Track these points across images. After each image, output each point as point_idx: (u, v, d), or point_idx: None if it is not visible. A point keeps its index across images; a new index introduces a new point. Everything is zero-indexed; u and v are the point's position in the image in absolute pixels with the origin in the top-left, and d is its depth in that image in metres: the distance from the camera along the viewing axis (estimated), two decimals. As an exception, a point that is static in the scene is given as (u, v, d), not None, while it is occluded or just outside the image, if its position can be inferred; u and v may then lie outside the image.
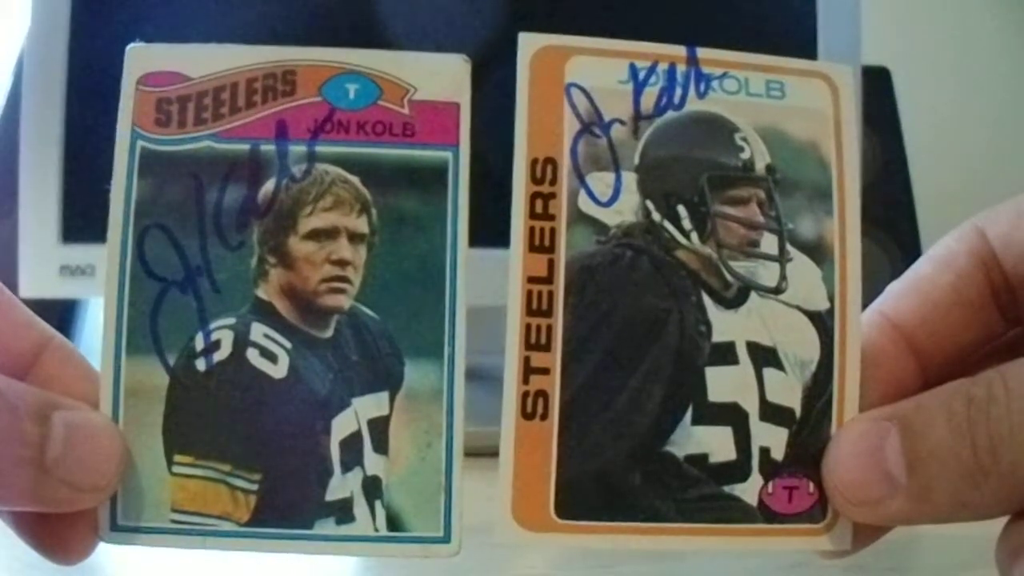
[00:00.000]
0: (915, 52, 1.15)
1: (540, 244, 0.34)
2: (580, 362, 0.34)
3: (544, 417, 0.34)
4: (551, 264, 0.34)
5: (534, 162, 0.34)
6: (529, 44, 0.35)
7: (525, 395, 0.34)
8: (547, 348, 0.34)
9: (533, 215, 0.34)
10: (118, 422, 0.34)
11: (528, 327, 0.34)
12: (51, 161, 0.72)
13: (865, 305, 0.36)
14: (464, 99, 0.35)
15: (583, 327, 0.34)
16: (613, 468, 0.34)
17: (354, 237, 0.34)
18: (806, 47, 0.75)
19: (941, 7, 1.30)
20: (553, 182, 0.34)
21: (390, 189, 0.35)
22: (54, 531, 0.34)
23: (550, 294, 0.34)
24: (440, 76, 0.35)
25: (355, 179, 0.35)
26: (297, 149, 0.35)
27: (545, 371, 0.34)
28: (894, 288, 0.37)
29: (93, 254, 0.71)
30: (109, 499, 0.33)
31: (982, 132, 1.25)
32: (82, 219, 0.71)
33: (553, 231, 0.34)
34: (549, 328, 0.34)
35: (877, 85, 0.98)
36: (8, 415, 0.31)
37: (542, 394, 0.34)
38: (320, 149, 0.35)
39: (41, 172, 0.72)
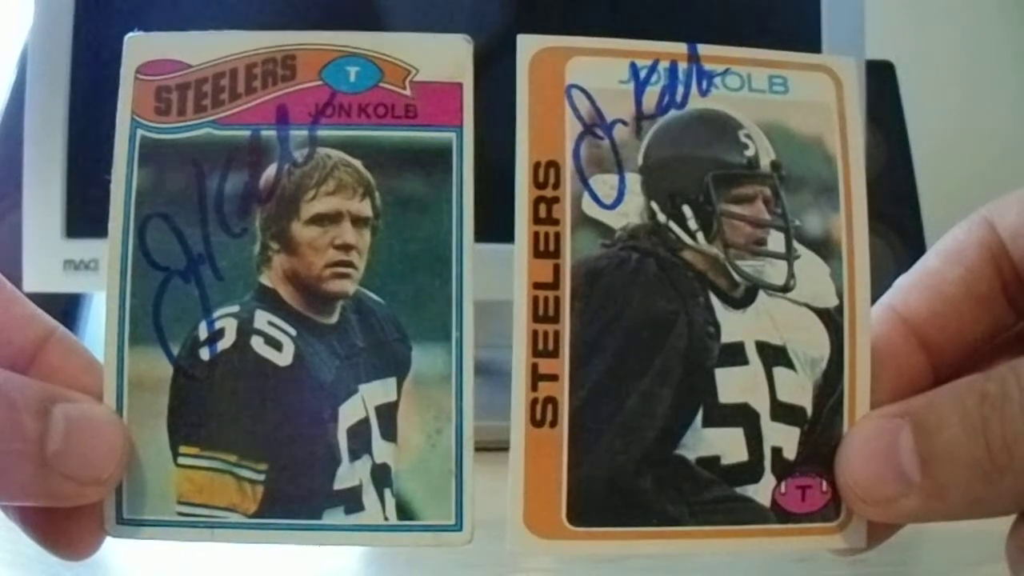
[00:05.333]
0: (919, 46, 1.15)
1: (545, 249, 0.34)
2: (588, 367, 0.34)
3: (553, 424, 0.33)
4: (557, 269, 0.34)
5: (536, 166, 0.34)
6: (528, 46, 0.35)
7: (534, 402, 0.33)
8: (555, 354, 0.33)
9: (537, 220, 0.34)
10: (122, 414, 0.33)
11: (535, 333, 0.33)
12: (55, 156, 0.72)
13: (872, 301, 0.36)
14: (467, 79, 0.34)
15: (591, 332, 0.34)
16: (624, 473, 0.33)
17: (358, 221, 0.34)
18: (810, 42, 0.75)
19: (945, 1, 1.29)
20: (556, 186, 0.34)
21: (393, 172, 0.34)
22: (60, 526, 0.33)
23: (556, 300, 0.33)
24: (442, 56, 0.35)
25: (357, 162, 0.34)
26: (298, 134, 0.34)
27: (553, 377, 0.33)
28: (903, 282, 0.37)
29: (96, 248, 0.70)
30: (115, 492, 0.33)
31: (987, 127, 1.24)
32: (85, 214, 0.71)
33: (558, 236, 0.34)
34: (556, 334, 0.33)
35: (881, 80, 0.97)
36: (7, 409, 0.30)
37: (551, 401, 0.33)
38: (321, 133, 0.34)
39: (45, 167, 0.72)
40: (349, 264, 0.34)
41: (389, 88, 0.34)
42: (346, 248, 0.34)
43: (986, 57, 1.27)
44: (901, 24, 1.12)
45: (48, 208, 0.72)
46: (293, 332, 0.34)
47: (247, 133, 0.34)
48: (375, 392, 0.34)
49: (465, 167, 0.34)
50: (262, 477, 0.33)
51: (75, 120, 0.72)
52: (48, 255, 0.72)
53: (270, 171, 0.34)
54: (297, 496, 0.33)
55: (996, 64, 1.27)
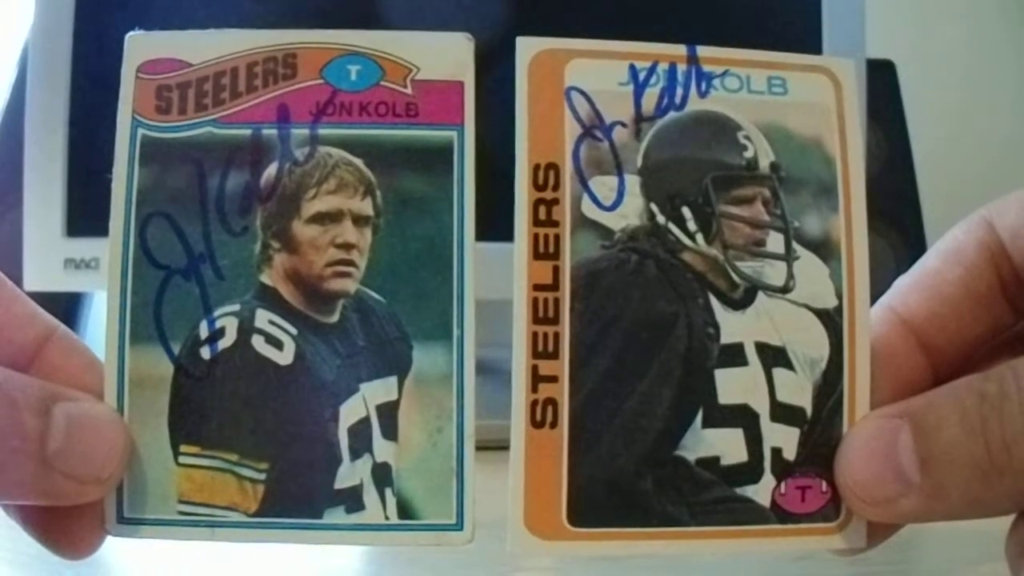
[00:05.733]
0: (920, 45, 1.15)
1: (545, 251, 0.34)
2: (588, 369, 0.34)
3: (554, 425, 0.33)
4: (556, 271, 0.34)
5: (536, 168, 0.34)
6: (528, 48, 0.35)
7: (534, 404, 0.33)
8: (555, 356, 0.33)
9: (537, 222, 0.34)
10: (123, 413, 0.33)
11: (535, 335, 0.33)
12: (55, 155, 0.72)
13: (872, 300, 0.36)
14: (468, 77, 0.34)
15: (590, 333, 0.34)
16: (625, 474, 0.33)
17: (359, 220, 0.34)
18: (810, 41, 0.75)
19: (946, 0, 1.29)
20: (556, 188, 0.34)
21: (394, 170, 0.34)
22: (61, 525, 0.33)
23: (556, 301, 0.34)
24: (443, 55, 0.35)
25: (358, 161, 0.34)
26: (299, 132, 0.34)
27: (553, 379, 0.33)
28: (903, 282, 0.37)
29: (97, 247, 0.70)
30: (115, 491, 0.33)
31: (987, 125, 1.24)
32: (86, 213, 0.71)
33: (557, 238, 0.34)
34: (556, 335, 0.33)
35: (882, 79, 0.97)
36: (7, 407, 0.30)
37: (551, 402, 0.33)
38: (322, 132, 0.34)
39: (45, 166, 0.71)
40: (350, 263, 0.34)
41: (390, 87, 0.34)
42: (347, 247, 0.34)
43: (986, 56, 1.27)
44: (902, 23, 1.12)
45: (49, 207, 0.72)
46: (294, 331, 0.34)
47: (248, 132, 0.34)
48: (376, 391, 0.34)
49: (466, 165, 0.34)
50: (263, 476, 0.33)
51: (76, 119, 0.72)
52: (49, 254, 0.72)
53: (271, 170, 0.34)
54: (298, 495, 0.33)
55: (996, 63, 1.27)
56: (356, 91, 0.34)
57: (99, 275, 0.71)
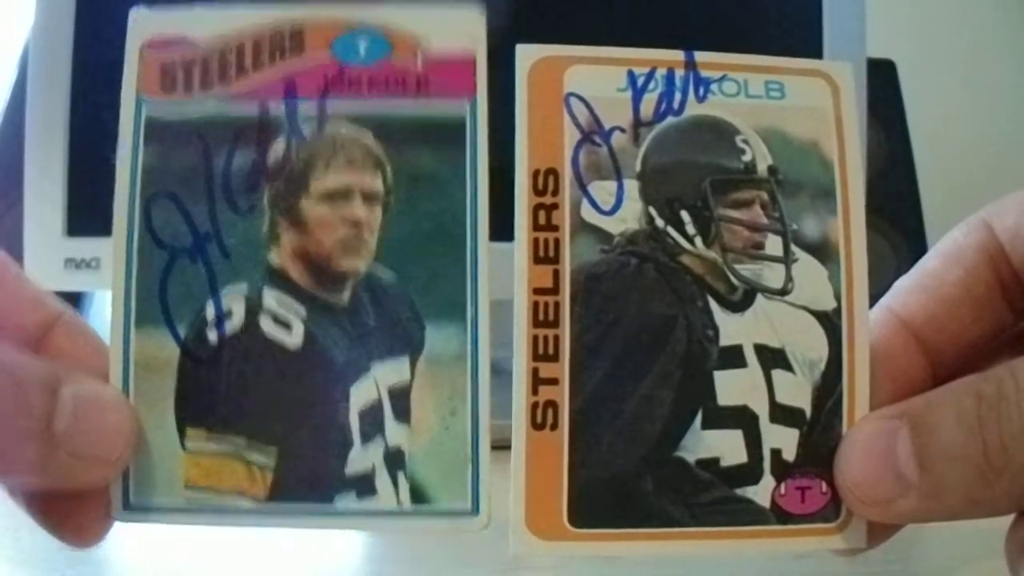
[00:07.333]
0: (920, 44, 1.15)
1: (544, 255, 0.34)
2: (589, 371, 0.34)
3: (554, 427, 0.33)
4: (556, 275, 0.34)
5: (535, 173, 0.34)
6: (527, 55, 0.35)
7: (535, 406, 0.33)
8: (555, 358, 0.33)
9: (536, 227, 0.34)
10: (129, 396, 0.33)
11: (535, 338, 0.33)
12: (56, 154, 0.71)
13: (873, 299, 0.36)
14: (480, 50, 0.34)
15: (590, 336, 0.34)
16: (625, 475, 0.34)
17: (368, 197, 0.33)
18: (811, 40, 0.75)
19: (946, -1, 1.30)
20: (555, 193, 0.34)
21: (405, 146, 0.34)
22: (67, 512, 0.33)
23: (556, 305, 0.34)
24: (453, 28, 0.34)
25: (368, 137, 0.34)
26: (307, 109, 0.34)
27: (554, 381, 0.33)
28: (902, 284, 0.37)
29: (98, 247, 0.70)
30: (121, 477, 0.33)
31: (987, 124, 1.25)
32: (87, 212, 0.71)
33: (557, 242, 0.34)
34: (556, 338, 0.34)
35: (882, 78, 0.97)
36: (14, 388, 0.30)
37: (551, 404, 0.33)
38: (331, 108, 0.34)
39: (46, 165, 0.71)
40: (360, 240, 0.33)
41: (400, 61, 0.34)
42: (357, 224, 0.33)
43: (987, 55, 1.28)
44: (902, 23, 1.12)
45: (49, 206, 0.71)
46: (303, 312, 0.33)
47: (255, 108, 0.34)
48: (388, 373, 0.33)
49: (479, 141, 0.34)
50: (272, 461, 0.33)
51: (76, 118, 0.72)
52: (49, 253, 0.71)
53: (278, 147, 0.33)
54: (308, 480, 0.33)
55: (997, 62, 1.27)
56: (365, 66, 0.34)
57: (100, 275, 0.70)
